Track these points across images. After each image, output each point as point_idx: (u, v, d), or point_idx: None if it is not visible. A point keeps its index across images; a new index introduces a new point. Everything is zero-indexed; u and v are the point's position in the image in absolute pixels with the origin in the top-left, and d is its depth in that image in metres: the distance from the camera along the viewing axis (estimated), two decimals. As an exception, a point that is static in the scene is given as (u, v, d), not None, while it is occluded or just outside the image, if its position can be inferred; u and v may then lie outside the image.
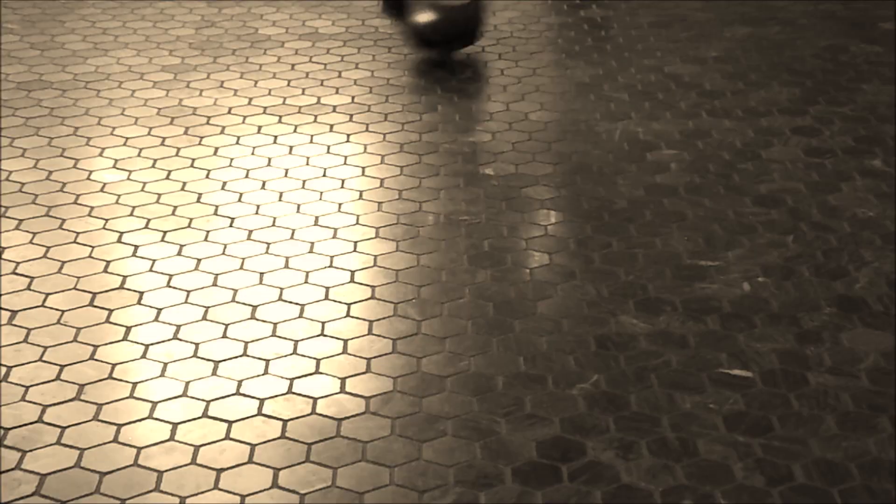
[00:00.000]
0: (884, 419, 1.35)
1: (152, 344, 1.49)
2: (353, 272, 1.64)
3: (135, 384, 1.41)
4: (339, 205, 1.82)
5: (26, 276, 1.64)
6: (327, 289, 1.60)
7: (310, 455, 1.29)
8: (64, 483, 1.25)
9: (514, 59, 2.36)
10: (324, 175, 1.91)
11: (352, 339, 1.50)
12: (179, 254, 1.69)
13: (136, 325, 1.52)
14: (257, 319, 1.54)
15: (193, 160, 1.96)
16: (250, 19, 2.58)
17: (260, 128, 2.08)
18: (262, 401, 1.38)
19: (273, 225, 1.76)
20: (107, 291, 1.60)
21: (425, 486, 1.25)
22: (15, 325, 1.53)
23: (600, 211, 1.80)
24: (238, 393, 1.40)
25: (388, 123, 2.09)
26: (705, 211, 1.80)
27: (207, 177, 1.91)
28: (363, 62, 2.35)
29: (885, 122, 2.09)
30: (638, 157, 1.96)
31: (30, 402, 1.38)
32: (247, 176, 1.91)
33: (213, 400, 1.38)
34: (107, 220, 1.78)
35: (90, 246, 1.71)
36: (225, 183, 1.89)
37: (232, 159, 1.97)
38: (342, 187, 1.87)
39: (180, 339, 1.50)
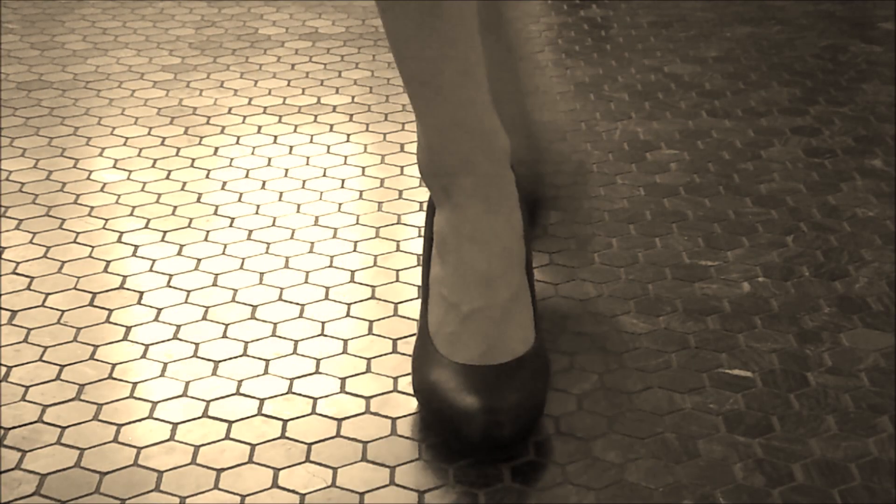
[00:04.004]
0: (884, 419, 1.35)
1: (152, 344, 1.49)
2: (353, 272, 1.64)
3: (135, 384, 1.41)
4: (340, 204, 1.82)
5: (26, 276, 1.64)
6: (327, 289, 1.60)
7: (310, 455, 1.29)
8: (64, 483, 1.25)
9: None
10: (324, 175, 1.91)
11: (352, 339, 1.50)
12: (179, 254, 1.69)
13: (136, 325, 1.52)
14: (257, 319, 1.54)
15: (193, 160, 1.96)
16: (250, 19, 2.58)
17: (260, 128, 2.08)
18: (262, 401, 1.38)
19: (273, 225, 1.76)
20: (107, 291, 1.60)
21: (425, 486, 1.25)
22: (15, 325, 1.53)
23: (600, 211, 1.80)
24: (238, 393, 1.40)
25: (388, 123, 2.09)
26: (705, 211, 1.80)
27: (207, 177, 1.91)
28: (363, 62, 2.35)
29: (885, 122, 2.09)
30: (638, 157, 1.96)
31: (30, 402, 1.38)
32: (247, 176, 1.91)
33: (213, 400, 1.38)
34: (107, 220, 1.78)
35: (90, 246, 1.71)
36: (225, 183, 1.89)
37: (232, 159, 1.97)
38: (342, 187, 1.87)
39: (180, 339, 1.50)
